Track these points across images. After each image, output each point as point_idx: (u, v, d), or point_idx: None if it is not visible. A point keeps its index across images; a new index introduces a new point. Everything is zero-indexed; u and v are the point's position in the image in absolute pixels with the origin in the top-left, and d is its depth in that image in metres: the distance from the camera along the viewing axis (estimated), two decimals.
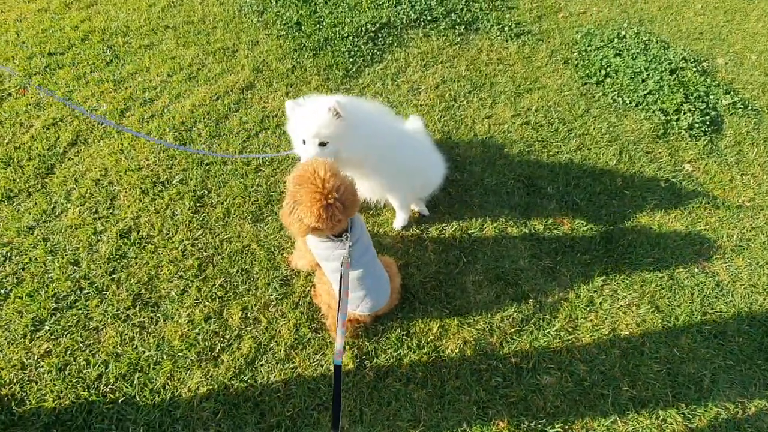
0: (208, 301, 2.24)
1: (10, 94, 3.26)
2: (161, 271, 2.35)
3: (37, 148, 2.90)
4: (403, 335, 2.18)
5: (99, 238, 2.47)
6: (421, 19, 4.16)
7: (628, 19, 4.50)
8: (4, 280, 2.30)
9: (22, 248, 2.41)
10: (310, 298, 2.28)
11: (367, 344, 2.15)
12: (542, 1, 4.63)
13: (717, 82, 3.78)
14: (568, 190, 2.87)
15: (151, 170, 2.80)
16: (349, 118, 1.81)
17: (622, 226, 2.70)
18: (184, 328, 2.15)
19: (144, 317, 2.19)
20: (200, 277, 2.33)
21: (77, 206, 2.61)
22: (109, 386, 1.98)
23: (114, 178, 2.76)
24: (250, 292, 2.29)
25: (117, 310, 2.20)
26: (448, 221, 2.66)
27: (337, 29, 3.98)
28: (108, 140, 2.98)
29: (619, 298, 2.39)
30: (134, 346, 2.10)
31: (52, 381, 1.99)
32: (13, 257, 2.39)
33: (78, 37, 3.75)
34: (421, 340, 2.17)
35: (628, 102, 3.52)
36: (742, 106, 3.54)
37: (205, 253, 2.42)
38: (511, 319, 2.26)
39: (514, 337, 2.21)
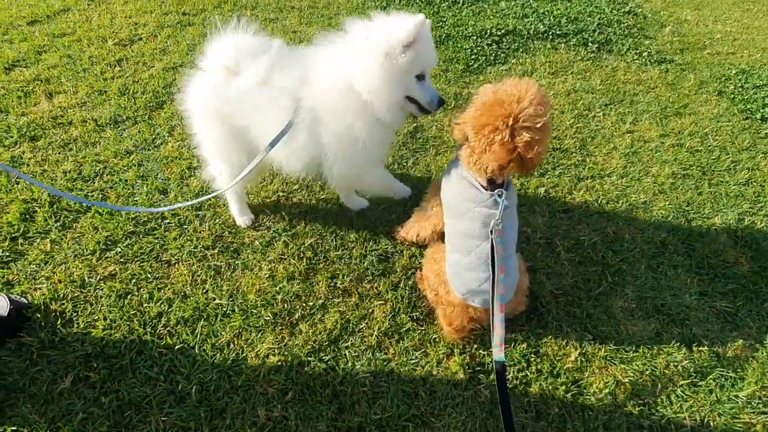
0: (294, 259, 1.89)
1: (140, 39, 3.33)
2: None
3: (153, 84, 2.86)
4: (530, 353, 1.65)
5: (192, 173, 2.25)
6: (550, 33, 3.86)
7: None
8: (89, 194, 2.12)
9: (115, 168, 2.25)
10: (414, 281, 1.84)
11: (483, 352, 1.64)
12: (683, 36, 4.18)
13: None
14: (742, 225, 2.25)
15: None
16: None
17: None
18: (264, 283, 1.79)
19: (222, 261, 1.87)
20: (290, 232, 2.00)
21: (178, 141, 2.45)
22: (168, 328, 1.64)
23: None
24: (343, 261, 1.90)
25: (195, 248, 1.91)
26: (584, 231, 2.15)
27: (460, 29, 3.79)
28: None
29: None
30: (204, 290, 1.77)
31: (109, 307, 1.69)
32: (105, 175, 2.22)
33: (212, 4, 3.87)
34: (555, 365, 1.63)
35: None
36: None
37: (297, 210, 2.10)
38: (680, 368, 1.65)
39: (687, 393, 1.59)
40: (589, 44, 3.78)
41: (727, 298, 1.92)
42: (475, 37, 3.68)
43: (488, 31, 3.78)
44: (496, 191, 1.40)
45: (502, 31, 3.82)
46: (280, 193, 2.17)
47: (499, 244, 1.37)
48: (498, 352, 1.29)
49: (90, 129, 2.48)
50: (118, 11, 3.66)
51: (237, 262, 1.86)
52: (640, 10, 4.56)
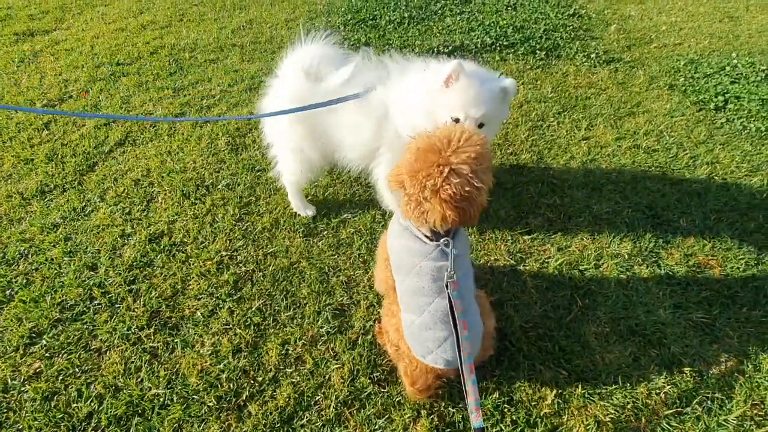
0: (240, 328, 1.72)
1: (71, 96, 3.16)
2: (189, 285, 1.88)
3: (83, 145, 2.68)
4: (503, 403, 1.52)
5: (126, 241, 2.08)
6: (497, 44, 3.84)
7: (735, 51, 3.94)
8: (13, 280, 1.92)
9: (41, 246, 2.06)
10: (373, 335, 1.69)
11: (452, 410, 1.49)
12: (629, 33, 4.22)
13: None
14: (709, 224, 2.19)
15: (197, 173, 2.45)
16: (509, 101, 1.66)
17: None
18: (206, 362, 1.62)
19: (158, 341, 1.69)
20: (235, 297, 1.83)
21: (110, 206, 2.27)
22: (99, 430, 1.45)
23: (155, 179, 2.43)
24: (295, 322, 1.74)
25: (128, 329, 1.72)
26: (549, 253, 2.05)
27: (406, 50, 3.73)
28: (157, 141, 2.72)
29: None
30: (139, 379, 1.58)
31: (34, 412, 1.49)
32: (30, 255, 2.03)
33: (147, 50, 3.73)
34: (531, 412, 1.49)
35: (763, 130, 2.86)
36: None
37: (244, 268, 1.95)
38: (663, 395, 1.54)
39: (674, 424, 1.47)
40: (537, 51, 3.77)
41: (703, 307, 1.82)
42: (422, 57, 3.61)
43: (435, 49, 3.73)
44: (441, 241, 1.27)
45: (450, 47, 3.78)
46: (223, 253, 2.01)
47: (456, 298, 1.24)
48: (475, 418, 1.16)
49: (15, 204, 2.29)
50: (47, 69, 3.49)
51: (176, 341, 1.69)
52: (584, 11, 4.61)
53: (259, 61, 3.57)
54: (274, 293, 1.84)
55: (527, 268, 1.98)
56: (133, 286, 1.88)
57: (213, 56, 3.65)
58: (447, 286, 1.23)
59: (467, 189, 1.13)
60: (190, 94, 3.16)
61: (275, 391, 1.53)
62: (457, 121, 1.59)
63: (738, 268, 1.98)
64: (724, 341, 1.72)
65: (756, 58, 3.80)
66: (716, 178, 2.49)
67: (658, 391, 1.55)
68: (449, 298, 1.23)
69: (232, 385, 1.55)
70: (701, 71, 3.52)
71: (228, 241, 2.06)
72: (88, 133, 2.79)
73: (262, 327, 1.73)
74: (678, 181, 2.47)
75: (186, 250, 2.02)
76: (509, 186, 2.43)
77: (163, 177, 2.43)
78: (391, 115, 1.75)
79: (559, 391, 1.55)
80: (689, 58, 3.72)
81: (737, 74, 3.48)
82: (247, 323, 1.73)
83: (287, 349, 1.65)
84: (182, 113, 2.96)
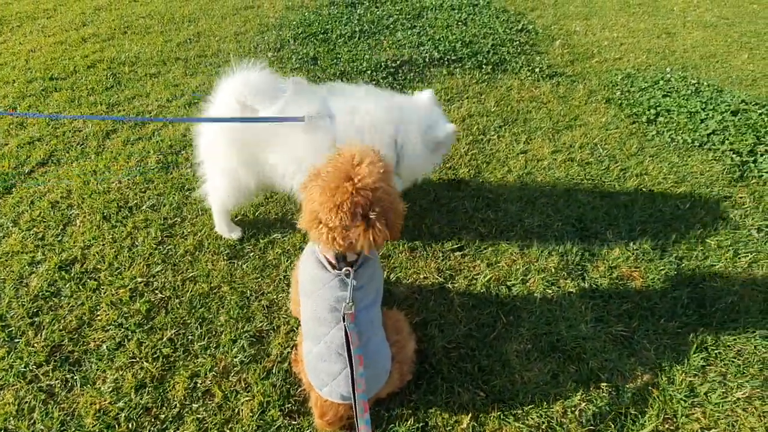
0: (147, 362, 1.62)
1: None
2: (97, 315, 1.78)
3: (2, 166, 2.53)
4: (417, 430, 1.48)
5: (34, 269, 1.95)
6: (445, 59, 3.89)
7: (670, 65, 4.14)
8: None
9: None
10: (289, 363, 1.63)
11: None
12: (573, 48, 4.37)
13: None
14: (634, 236, 2.24)
15: (121, 194, 2.35)
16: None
17: (714, 285, 2.02)
18: (105, 400, 1.51)
19: (57, 379, 1.57)
20: (145, 327, 1.73)
21: (23, 231, 2.13)
22: None
23: (76, 201, 2.31)
24: (208, 352, 1.66)
25: (25, 366, 1.60)
26: (479, 269, 2.05)
27: (355, 64, 3.73)
28: (84, 161, 2.60)
29: (732, 387, 1.64)
30: (31, 421, 1.46)
31: None
32: None
33: (85, 65, 3.59)
34: None
35: (689, 141, 2.99)
36: None
37: (159, 295, 1.85)
38: (578, 412, 1.54)
39: None
40: (484, 66, 3.84)
41: (623, 320, 1.85)
42: (370, 71, 3.63)
43: (383, 63, 3.74)
44: (343, 270, 1.23)
45: (398, 62, 3.80)
46: (139, 279, 1.91)
47: (352, 330, 1.19)
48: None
49: None
50: None
51: (75, 378, 1.57)
52: (532, 26, 4.74)
53: (202, 75, 3.49)
54: (189, 321, 1.76)
55: (456, 285, 1.97)
56: (36, 319, 1.75)
57: (154, 70, 3.55)
58: (344, 318, 1.19)
59: (388, 200, 1.11)
60: (124, 110, 3.04)
61: (178, 430, 1.45)
62: None
63: (658, 279, 2.03)
64: (641, 354, 1.74)
65: (688, 73, 4.00)
66: (644, 189, 2.57)
67: (573, 408, 1.55)
68: (345, 330, 1.18)
69: (131, 425, 1.45)
70: (636, 85, 3.67)
71: (145, 267, 1.96)
72: (10, 152, 2.64)
73: (172, 359, 1.63)
74: (608, 193, 2.53)
75: (99, 277, 1.91)
76: (445, 201, 2.43)
77: (84, 199, 2.31)
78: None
79: (476, 413, 1.52)
80: (626, 73, 3.87)
81: (670, 88, 3.63)
82: (155, 355, 1.64)
83: (196, 383, 1.57)
84: (114, 130, 2.84)
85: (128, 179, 2.43)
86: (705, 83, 3.75)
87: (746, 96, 3.61)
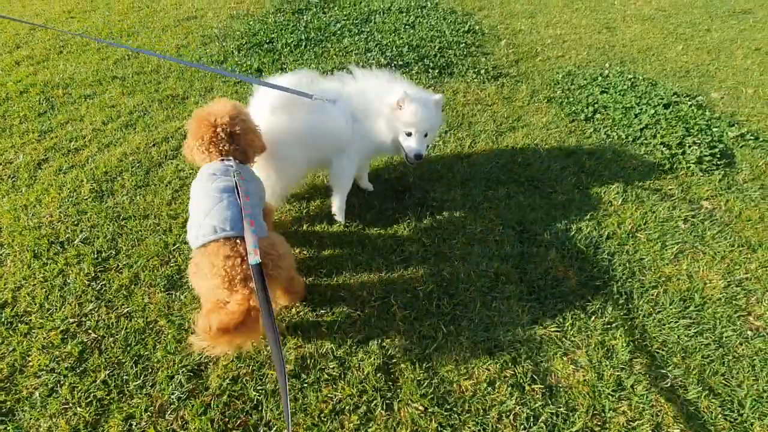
0: (80, 407, 1.58)
1: None
2: (29, 361, 1.71)
3: None
4: None
5: None
6: (393, 64, 3.91)
7: (609, 60, 4.31)
8: None
9: None
10: (228, 394, 1.62)
11: None
12: (518, 47, 4.48)
13: (717, 115, 3.44)
14: (570, 236, 2.33)
15: (53, 228, 2.26)
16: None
17: (642, 278, 2.13)
18: None
19: None
20: (78, 370, 1.68)
21: None
22: None
23: (6, 240, 2.21)
24: (144, 391, 1.63)
25: None
26: (422, 281, 2.08)
27: None
28: (15, 195, 2.48)
29: (657, 378, 1.74)
30: None
31: None
32: None
33: (17, 90, 3.42)
34: None
35: (623, 137, 3.13)
36: (752, 138, 3.15)
37: (93, 335, 1.80)
38: (512, 416, 1.60)
39: None
40: (431, 70, 3.89)
41: (557, 320, 1.93)
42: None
43: (329, 71, 3.73)
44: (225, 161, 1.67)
45: (344, 69, 3.79)
46: (71, 320, 1.84)
47: (242, 185, 1.53)
48: (253, 257, 1.35)
49: None
50: None
51: (8, 429, 1.51)
52: (478, 27, 4.82)
53: (141, 94, 3.38)
54: (123, 360, 1.72)
55: (398, 298, 2.00)
56: None
57: (90, 91, 3.41)
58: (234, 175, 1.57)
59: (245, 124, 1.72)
60: (57, 137, 2.92)
61: None
62: (410, 134, 2.04)
63: (590, 276, 2.13)
64: (573, 353, 1.82)
65: (626, 67, 4.17)
66: (581, 188, 2.67)
67: (508, 413, 1.61)
68: (235, 182, 1.55)
69: None
70: (576, 83, 3.80)
71: (78, 306, 1.90)
72: None
73: (106, 402, 1.60)
74: (547, 194, 2.62)
75: (30, 320, 1.84)
76: (390, 213, 2.45)
77: (14, 236, 2.21)
78: (359, 120, 2.09)
79: (414, 427, 1.56)
80: (567, 70, 3.99)
81: (607, 84, 3.78)
82: (88, 400, 1.60)
83: (131, 425, 1.54)
84: (45, 159, 2.73)
85: (60, 212, 2.34)
86: (641, 77, 3.92)
87: (678, 88, 3.80)
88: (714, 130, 3.23)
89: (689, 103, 3.55)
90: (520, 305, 1.98)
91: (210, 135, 1.67)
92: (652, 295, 2.05)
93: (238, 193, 1.52)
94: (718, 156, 2.95)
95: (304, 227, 2.34)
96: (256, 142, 1.78)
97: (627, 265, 2.19)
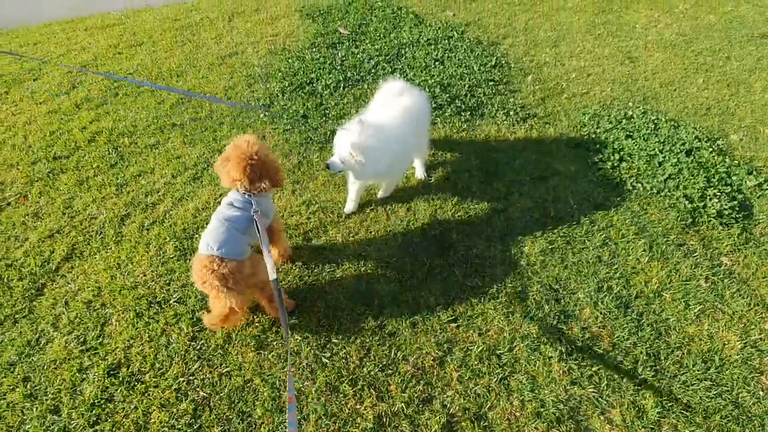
0: None
1: (9, 204, 3.16)
2: (151, 418, 2.06)
3: (29, 264, 2.73)
4: None
5: (84, 375, 2.21)
6: None
7: (632, 97, 4.50)
8: None
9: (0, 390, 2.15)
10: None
11: None
12: (544, 82, 4.68)
13: (736, 162, 3.66)
14: (601, 294, 2.62)
15: (148, 288, 2.59)
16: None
17: (668, 340, 2.42)
18: None
19: None
20: (195, 426, 2.03)
21: (64, 335, 2.37)
22: None
23: (107, 299, 2.55)
24: None
25: None
26: (472, 339, 2.39)
27: (343, 120, 3.97)
28: (105, 252, 2.82)
29: None
30: None
31: None
32: None
33: (85, 138, 3.74)
34: None
35: (648, 188, 3.37)
36: None
37: (201, 393, 2.14)
38: None
39: None
40: (463, 113, 4.13)
41: (593, 381, 2.23)
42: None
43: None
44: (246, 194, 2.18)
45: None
46: (181, 379, 2.19)
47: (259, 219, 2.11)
48: (272, 275, 1.95)
49: None
50: None
51: None
52: (504, 60, 5.02)
53: (200, 144, 3.68)
54: (231, 417, 2.06)
55: (453, 357, 2.31)
56: (97, 427, 2.02)
57: (153, 140, 3.72)
58: (253, 214, 2.12)
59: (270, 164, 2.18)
60: (133, 190, 3.24)
61: None
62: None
63: (622, 336, 2.42)
64: (609, 412, 2.12)
65: (649, 105, 4.38)
66: (609, 243, 2.94)
67: None
68: (254, 221, 2.10)
69: None
70: (602, 126, 4.02)
71: (184, 364, 2.24)
72: (33, 248, 2.83)
73: None
74: (579, 250, 2.90)
75: (144, 379, 2.19)
76: (438, 271, 2.75)
77: (114, 296, 2.55)
78: None
79: None
80: (593, 111, 4.21)
81: (632, 127, 4.00)
82: None
83: None
84: (127, 215, 3.06)
85: (151, 271, 2.68)
86: (663, 118, 4.13)
87: (699, 131, 4.01)
88: (733, 178, 3.46)
89: (710, 148, 3.76)
90: (560, 366, 2.28)
91: (244, 165, 2.07)
92: (677, 356, 2.34)
93: (257, 227, 2.07)
94: (737, 209, 3.18)
95: (364, 285, 2.65)
96: (279, 176, 2.21)
97: (654, 325, 2.48)
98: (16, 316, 2.47)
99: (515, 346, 2.36)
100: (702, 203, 3.23)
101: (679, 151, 3.70)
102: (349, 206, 3.09)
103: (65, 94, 4.34)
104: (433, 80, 4.53)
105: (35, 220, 3.02)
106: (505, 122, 4.04)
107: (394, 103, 2.90)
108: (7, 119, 4.00)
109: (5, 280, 2.64)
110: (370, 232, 2.98)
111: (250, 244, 2.22)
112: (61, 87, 4.45)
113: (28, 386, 2.17)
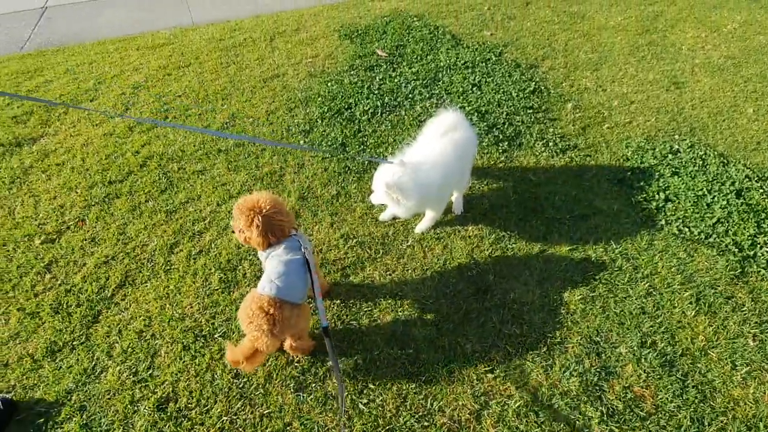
0: None
1: (68, 227, 3.37)
2: None
3: (86, 290, 2.91)
4: None
5: (136, 408, 2.33)
6: None
7: (678, 128, 4.34)
8: None
9: (56, 419, 2.30)
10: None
11: None
12: (584, 110, 4.58)
13: None
14: (645, 352, 2.55)
15: (195, 321, 2.71)
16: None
17: (713, 404, 2.33)
18: None
19: None
20: None
21: (118, 364, 2.52)
22: None
23: (157, 329, 2.68)
24: None
25: None
26: (509, 392, 2.38)
27: (381, 149, 4.02)
28: (155, 281, 2.96)
29: None
30: None
31: None
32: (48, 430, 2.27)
33: (137, 163, 3.93)
34: None
35: (696, 233, 3.25)
36: None
37: None
38: None
39: None
40: (501, 143, 4.10)
41: None
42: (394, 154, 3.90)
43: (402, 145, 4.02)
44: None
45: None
46: (224, 418, 2.28)
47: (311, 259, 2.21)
48: (324, 321, 2.07)
49: (27, 368, 2.52)
50: (41, 192, 3.67)
51: None
52: (543, 85, 4.94)
53: (244, 170, 3.81)
54: None
55: (490, 411, 2.31)
56: None
57: (200, 166, 3.88)
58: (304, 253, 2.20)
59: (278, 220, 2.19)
60: (181, 218, 3.39)
61: None
62: None
63: (666, 398, 2.35)
64: None
65: (696, 137, 4.21)
66: (654, 293, 2.86)
67: None
68: (306, 258, 2.19)
69: None
70: (647, 161, 3.90)
71: (227, 402, 2.33)
72: (90, 273, 3.01)
73: None
74: (621, 299, 2.83)
75: (191, 415, 2.29)
76: (474, 315, 2.75)
77: (164, 326, 2.68)
78: None
79: None
80: (637, 144, 4.08)
81: (678, 163, 3.86)
82: None
83: None
84: (176, 243, 3.20)
85: (198, 303, 2.80)
86: (711, 153, 3.96)
87: (750, 168, 3.83)
88: None
89: (761, 189, 3.59)
90: (601, 428, 2.24)
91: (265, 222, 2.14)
92: (722, 421, 2.26)
93: (309, 269, 2.16)
94: None
95: (401, 328, 2.68)
96: (291, 224, 2.28)
97: (699, 387, 2.40)
98: (74, 342, 2.64)
99: (554, 404, 2.33)
100: (752, 251, 3.09)
101: (728, 191, 3.55)
102: (385, 216, 3.28)
103: (118, 115, 4.58)
104: (470, 107, 4.52)
105: (92, 246, 3.21)
106: (544, 153, 3.98)
107: (444, 137, 2.92)
108: (67, 141, 4.25)
109: (65, 306, 2.82)
110: (407, 270, 3.01)
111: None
112: (115, 108, 4.69)
113: (84, 416, 2.31)
